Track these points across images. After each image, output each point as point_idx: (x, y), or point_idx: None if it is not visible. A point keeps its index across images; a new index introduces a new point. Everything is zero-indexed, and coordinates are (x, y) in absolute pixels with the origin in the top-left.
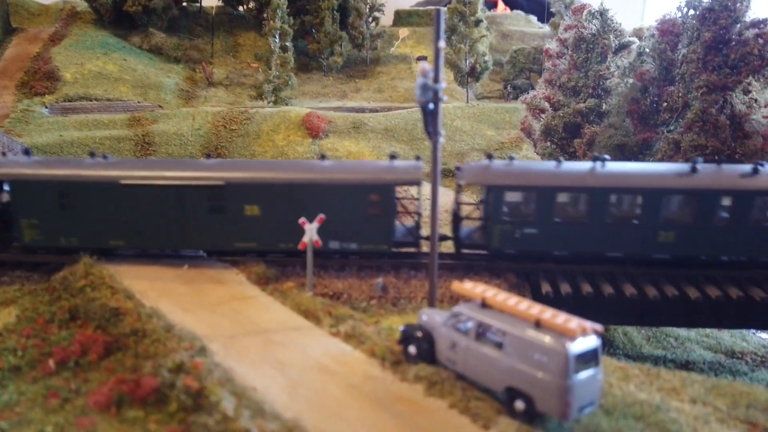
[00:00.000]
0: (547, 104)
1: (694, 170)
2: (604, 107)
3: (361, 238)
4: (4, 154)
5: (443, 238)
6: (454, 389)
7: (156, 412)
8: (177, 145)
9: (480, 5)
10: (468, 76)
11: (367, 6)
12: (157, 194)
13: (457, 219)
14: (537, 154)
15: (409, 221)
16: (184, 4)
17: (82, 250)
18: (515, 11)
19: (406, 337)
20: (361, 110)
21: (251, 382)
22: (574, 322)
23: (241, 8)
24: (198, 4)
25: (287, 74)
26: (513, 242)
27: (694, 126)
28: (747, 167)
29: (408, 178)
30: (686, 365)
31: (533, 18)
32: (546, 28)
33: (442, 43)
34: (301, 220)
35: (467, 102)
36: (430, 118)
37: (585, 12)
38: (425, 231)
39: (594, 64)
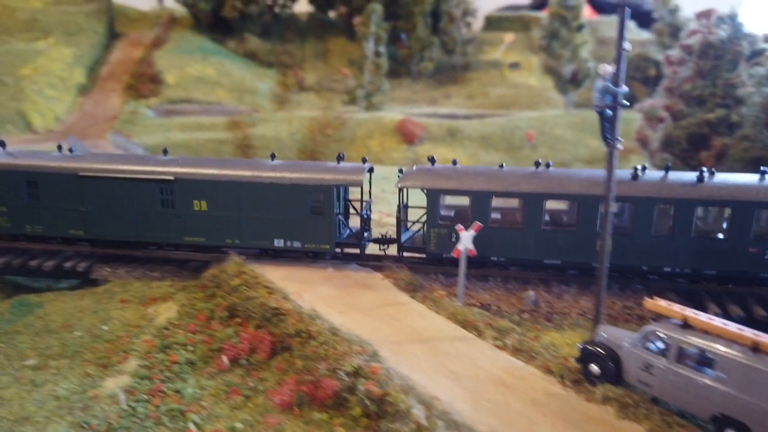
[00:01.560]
0: (666, 113)
1: (635, 177)
2: (734, 118)
3: (304, 237)
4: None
5: (389, 240)
6: (651, 413)
7: (338, 416)
8: (275, 149)
9: (583, 10)
10: (569, 83)
11: (461, 11)
12: (113, 186)
13: (399, 221)
14: (654, 166)
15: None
16: (277, 10)
17: (45, 238)
18: (611, 16)
19: (587, 356)
20: (454, 117)
21: (431, 391)
22: None
23: (331, 13)
24: (290, 10)
25: (380, 79)
26: (449, 246)
27: None
28: (692, 175)
29: (349, 180)
30: None
31: (631, 23)
32: (645, 35)
33: (627, 45)
34: (458, 226)
35: (566, 110)
36: (608, 125)
37: (713, 17)
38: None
39: (723, 72)
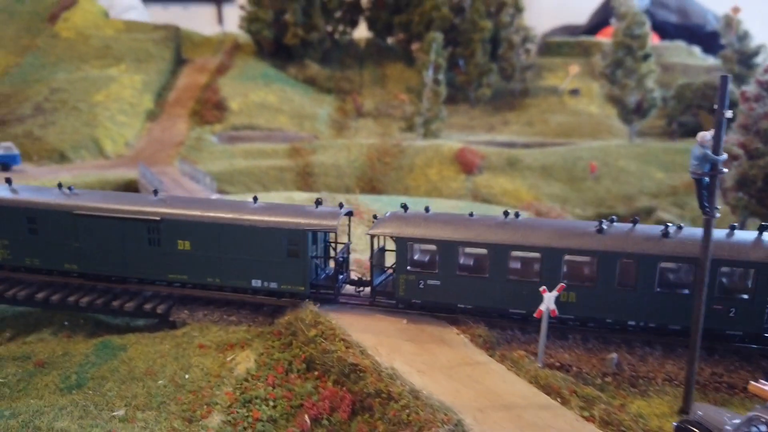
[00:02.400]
0: (741, 151)
1: (600, 231)
2: None
3: (280, 279)
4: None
5: (364, 283)
6: None
7: None
8: (334, 177)
9: (649, 38)
10: (633, 113)
11: (520, 37)
12: (105, 224)
13: (372, 266)
14: (727, 204)
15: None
16: (337, 36)
17: (43, 270)
18: (675, 42)
19: None
20: (513, 145)
21: None
22: None
23: (389, 39)
24: (349, 36)
25: (438, 107)
26: (417, 293)
27: None
28: (658, 230)
29: (323, 225)
30: None
31: (696, 49)
32: (711, 60)
33: (729, 113)
34: (542, 288)
35: (630, 140)
36: (706, 193)
37: None
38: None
39: None
